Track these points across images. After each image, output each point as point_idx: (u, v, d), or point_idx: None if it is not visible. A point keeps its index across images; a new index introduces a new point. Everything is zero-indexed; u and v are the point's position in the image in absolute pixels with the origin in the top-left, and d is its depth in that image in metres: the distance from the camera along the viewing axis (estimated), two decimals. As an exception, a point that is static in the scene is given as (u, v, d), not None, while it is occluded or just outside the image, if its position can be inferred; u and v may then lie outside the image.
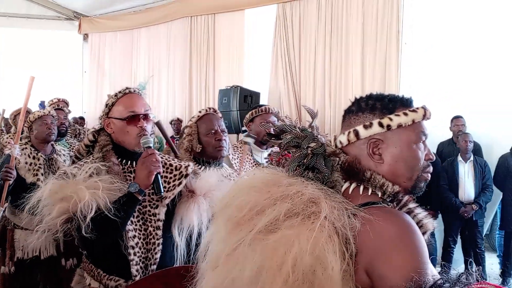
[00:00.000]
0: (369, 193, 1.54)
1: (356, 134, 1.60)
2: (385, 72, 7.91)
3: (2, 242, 4.47)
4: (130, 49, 11.80)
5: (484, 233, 7.14)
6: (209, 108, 3.48)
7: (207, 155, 3.29)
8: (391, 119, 1.57)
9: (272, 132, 1.72)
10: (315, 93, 8.74)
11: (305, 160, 1.60)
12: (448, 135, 7.32)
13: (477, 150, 6.98)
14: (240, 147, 4.26)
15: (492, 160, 6.98)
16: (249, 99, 8.51)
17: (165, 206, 2.61)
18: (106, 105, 2.63)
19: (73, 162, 2.68)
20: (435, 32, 7.64)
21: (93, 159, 2.56)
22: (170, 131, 10.38)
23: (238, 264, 1.45)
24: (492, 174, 6.84)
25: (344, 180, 1.59)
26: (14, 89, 10.13)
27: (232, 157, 4.05)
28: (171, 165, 2.72)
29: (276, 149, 4.00)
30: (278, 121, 4.47)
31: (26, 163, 4.34)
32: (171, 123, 10.30)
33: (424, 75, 7.61)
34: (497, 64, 7.05)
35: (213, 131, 3.31)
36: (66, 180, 2.36)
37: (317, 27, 8.71)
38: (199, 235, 2.62)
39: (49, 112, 4.62)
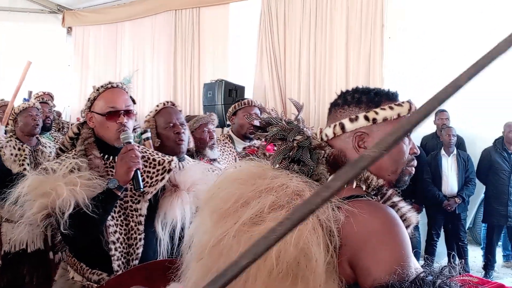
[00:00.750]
0: (354, 187, 1.55)
1: (342, 127, 1.60)
2: (369, 66, 7.93)
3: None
4: (114, 43, 11.71)
5: (467, 227, 7.20)
6: (167, 102, 3.42)
7: (166, 149, 3.16)
8: (376, 113, 1.57)
9: (258, 125, 1.72)
10: (300, 87, 8.74)
11: (290, 153, 1.60)
12: (432, 128, 7.36)
13: (460, 144, 7.03)
14: (223, 140, 4.26)
15: (475, 153, 7.03)
16: (234, 93, 8.49)
17: (147, 201, 2.60)
18: (89, 99, 2.61)
19: (58, 155, 2.66)
20: (419, 27, 7.67)
21: (75, 153, 2.54)
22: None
23: (223, 256, 1.45)
24: (475, 167, 6.89)
25: (329, 173, 1.60)
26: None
27: (216, 148, 4.03)
28: (154, 159, 2.70)
29: (259, 142, 4.00)
30: (261, 114, 4.47)
31: (12, 154, 4.32)
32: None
33: (408, 69, 7.64)
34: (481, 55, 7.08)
35: (171, 124, 3.23)
36: (45, 176, 2.34)
37: (302, 21, 8.70)
38: (183, 229, 2.61)
39: (33, 104, 4.59)
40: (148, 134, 3.14)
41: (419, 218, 1.63)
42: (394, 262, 1.31)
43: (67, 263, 2.62)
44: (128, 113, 2.56)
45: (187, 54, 10.34)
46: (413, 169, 1.65)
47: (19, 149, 4.39)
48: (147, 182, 2.60)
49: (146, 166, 2.63)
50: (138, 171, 2.44)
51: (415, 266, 1.35)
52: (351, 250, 1.39)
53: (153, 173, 2.65)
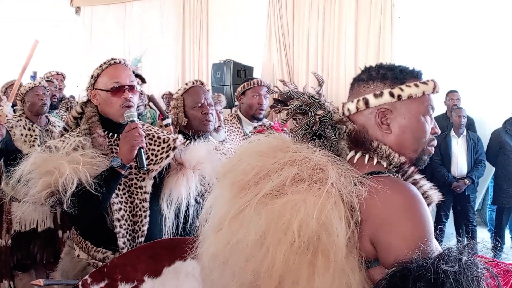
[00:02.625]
0: (374, 163, 1.55)
1: (366, 102, 1.58)
2: (378, 46, 7.88)
3: (-1, 215, 4.47)
4: (123, 23, 11.66)
5: (476, 208, 7.17)
6: (196, 81, 3.37)
7: (193, 128, 3.19)
8: (402, 90, 1.56)
9: (279, 98, 1.70)
10: (308, 67, 8.70)
11: (313, 128, 1.59)
12: (442, 109, 7.29)
13: (470, 125, 6.97)
14: (231, 120, 4.23)
15: (485, 135, 6.97)
16: (242, 73, 8.46)
17: (152, 178, 2.59)
18: (92, 76, 2.59)
19: (62, 134, 2.65)
20: (429, 6, 7.58)
21: (79, 131, 2.52)
22: (162, 106, 10.34)
23: (243, 227, 1.45)
24: (485, 149, 6.84)
25: (349, 149, 1.59)
26: (5, 62, 10.08)
27: (223, 129, 4.01)
28: (159, 137, 2.69)
29: (268, 122, 3.97)
30: (269, 94, 4.44)
31: (22, 134, 4.33)
32: (163, 97, 10.24)
33: (418, 49, 7.56)
34: (492, 38, 7.01)
35: (199, 104, 3.22)
36: (49, 154, 2.34)
37: (311, 1, 8.63)
38: (188, 207, 2.61)
39: (39, 83, 4.57)
40: (169, 120, 3.14)
41: (440, 196, 1.63)
42: (417, 238, 1.31)
43: (72, 241, 2.62)
44: (132, 88, 2.54)
45: (195, 34, 10.30)
46: (433, 148, 1.64)
47: (29, 129, 4.40)
48: (152, 160, 2.59)
49: (151, 144, 2.62)
50: (142, 150, 2.42)
51: (436, 245, 1.36)
52: (372, 225, 1.39)
53: (158, 151, 2.64)
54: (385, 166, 1.55)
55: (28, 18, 11.53)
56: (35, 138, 4.38)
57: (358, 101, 1.60)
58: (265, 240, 1.39)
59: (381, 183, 1.40)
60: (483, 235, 7.54)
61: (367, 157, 1.55)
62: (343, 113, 1.65)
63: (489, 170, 6.97)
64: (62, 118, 5.65)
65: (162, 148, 2.65)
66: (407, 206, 1.38)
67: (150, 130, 2.70)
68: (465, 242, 1.33)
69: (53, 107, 5.62)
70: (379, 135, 1.57)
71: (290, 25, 8.91)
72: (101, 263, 2.43)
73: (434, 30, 7.48)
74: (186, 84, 3.35)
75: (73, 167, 2.24)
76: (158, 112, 9.93)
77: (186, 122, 3.21)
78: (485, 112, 7.26)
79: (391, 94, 1.55)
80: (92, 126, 2.52)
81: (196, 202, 2.65)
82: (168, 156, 2.63)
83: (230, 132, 4.16)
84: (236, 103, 4.67)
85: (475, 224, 6.81)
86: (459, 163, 6.70)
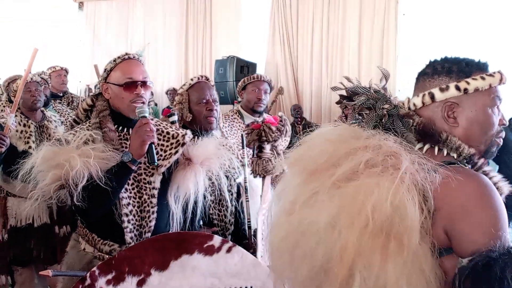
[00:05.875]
0: (445, 154, 1.56)
1: (432, 96, 1.59)
2: (382, 43, 7.88)
3: (-5, 210, 4.46)
4: (126, 18, 11.66)
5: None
6: (201, 76, 3.33)
7: (197, 124, 3.15)
8: (468, 83, 1.56)
9: (346, 94, 1.72)
10: (312, 64, 8.71)
11: (383, 120, 1.61)
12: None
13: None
14: (232, 116, 4.25)
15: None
16: (245, 69, 8.47)
17: (161, 174, 2.59)
18: (105, 70, 2.59)
19: (72, 127, 2.65)
20: (433, 3, 7.57)
21: (89, 125, 2.53)
22: (166, 101, 10.36)
23: (315, 209, 1.47)
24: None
25: (417, 142, 1.60)
26: (10, 58, 10.08)
27: (223, 125, 4.01)
28: (168, 133, 2.69)
29: (269, 117, 3.99)
30: (271, 89, 4.46)
31: (17, 131, 4.30)
32: (166, 93, 10.27)
33: (422, 46, 7.56)
34: (496, 35, 7.01)
35: (204, 100, 3.19)
36: (59, 147, 2.34)
37: (315, -3, 8.64)
38: (196, 203, 2.62)
39: (31, 78, 4.54)
40: (175, 118, 3.12)
41: (511, 188, 1.64)
42: (492, 225, 1.33)
43: (78, 234, 2.62)
44: (144, 84, 2.54)
45: (198, 30, 10.31)
46: (501, 140, 1.65)
47: (24, 125, 4.37)
48: (161, 156, 2.59)
49: (160, 140, 2.62)
50: (153, 145, 2.42)
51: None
52: (446, 213, 1.40)
53: (167, 146, 2.64)
54: (455, 157, 1.56)
55: (29, 18, 11.53)
56: (30, 135, 4.35)
57: (424, 95, 1.61)
58: (337, 223, 1.39)
59: (454, 171, 1.41)
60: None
61: (436, 148, 1.56)
62: (409, 108, 1.65)
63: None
64: (59, 112, 5.63)
65: (171, 144, 2.65)
66: (482, 194, 1.39)
67: (159, 125, 2.70)
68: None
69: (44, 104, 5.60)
70: (446, 128, 1.58)
71: (294, 22, 8.92)
72: (107, 256, 2.44)
73: (438, 26, 7.47)
74: (192, 79, 3.33)
75: (84, 160, 2.24)
76: (160, 108, 9.97)
77: (191, 118, 3.19)
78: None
79: (457, 88, 1.56)
80: (103, 120, 2.52)
81: (204, 197, 2.66)
82: (177, 151, 2.63)
83: (231, 127, 4.17)
84: (239, 99, 4.68)
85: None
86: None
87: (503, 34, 7.03)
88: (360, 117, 1.68)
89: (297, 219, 1.50)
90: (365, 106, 1.65)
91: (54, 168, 2.25)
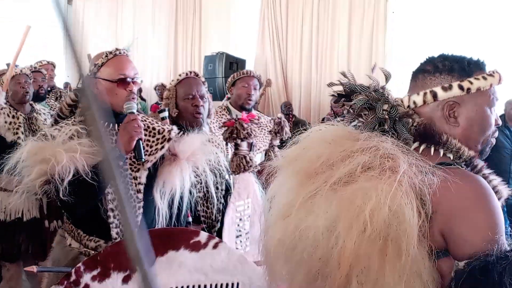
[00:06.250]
0: (441, 155, 1.54)
1: (434, 95, 1.57)
2: (372, 41, 7.90)
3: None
4: (115, 13, 11.62)
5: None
6: (190, 72, 3.32)
7: (184, 120, 3.12)
8: (471, 82, 1.55)
9: (342, 92, 1.67)
10: (302, 61, 8.71)
11: (385, 126, 1.58)
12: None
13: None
14: (220, 112, 4.22)
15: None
16: (234, 66, 8.46)
17: (147, 169, 2.59)
18: (95, 64, 2.56)
19: (56, 122, 2.63)
20: (423, 0, 7.60)
21: (74, 120, 2.51)
22: (154, 97, 10.33)
23: (312, 213, 1.45)
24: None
25: (413, 141, 1.58)
26: (10, 58, 10.00)
27: (211, 121, 3.99)
28: (154, 128, 2.68)
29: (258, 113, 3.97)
30: (260, 86, 4.44)
31: (6, 122, 4.28)
32: (155, 88, 10.23)
33: (411, 43, 7.59)
34: (486, 34, 7.04)
35: (190, 96, 3.16)
36: (45, 142, 2.32)
37: (305, -6, 8.65)
38: (181, 198, 2.61)
39: (21, 71, 4.52)
40: (165, 114, 3.09)
41: (510, 192, 1.64)
42: (489, 229, 1.32)
43: (64, 230, 2.61)
44: (135, 81, 2.53)
45: (188, 26, 10.29)
46: (495, 139, 1.65)
47: (13, 116, 4.35)
48: (147, 151, 2.58)
49: (146, 135, 2.61)
50: (140, 141, 2.42)
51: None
52: (444, 216, 1.39)
53: (153, 141, 2.63)
54: (451, 158, 1.54)
55: (29, 18, 11.46)
56: (19, 126, 4.33)
57: (425, 94, 1.59)
58: (335, 227, 1.38)
59: (452, 173, 1.40)
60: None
61: (432, 148, 1.55)
62: (408, 106, 1.63)
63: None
64: (51, 107, 5.62)
65: (157, 139, 2.64)
66: (479, 197, 1.39)
67: (145, 120, 2.69)
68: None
69: (41, 98, 5.57)
70: (446, 128, 1.56)
71: (283, 18, 8.92)
72: (93, 252, 2.42)
73: (427, 24, 7.51)
74: (180, 75, 3.31)
75: (70, 155, 2.23)
76: (149, 104, 9.93)
77: (177, 113, 3.17)
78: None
79: (461, 87, 1.54)
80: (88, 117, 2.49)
81: (190, 193, 2.65)
82: (163, 147, 2.62)
83: (219, 123, 4.15)
84: (228, 95, 4.65)
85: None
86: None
87: (493, 31, 7.06)
88: (359, 118, 1.64)
89: (293, 223, 1.49)
90: (364, 107, 1.62)
91: (40, 163, 2.23)
